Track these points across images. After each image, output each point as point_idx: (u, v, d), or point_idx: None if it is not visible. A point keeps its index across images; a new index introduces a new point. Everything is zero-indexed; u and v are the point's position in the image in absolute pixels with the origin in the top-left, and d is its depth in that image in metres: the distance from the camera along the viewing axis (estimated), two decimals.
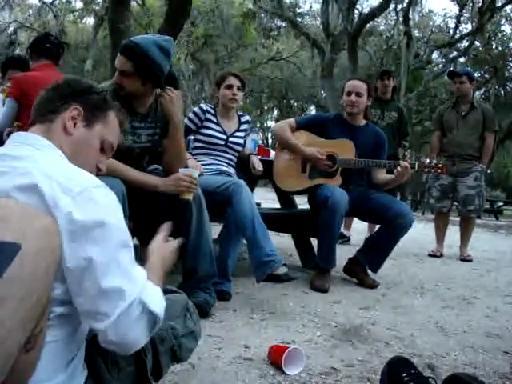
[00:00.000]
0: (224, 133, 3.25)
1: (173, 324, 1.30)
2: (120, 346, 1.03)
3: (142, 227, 2.38)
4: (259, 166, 3.37)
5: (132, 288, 1.01)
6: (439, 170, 3.31)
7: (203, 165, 3.12)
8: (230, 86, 3.23)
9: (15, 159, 1.02)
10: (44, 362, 0.93)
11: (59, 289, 0.96)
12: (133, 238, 1.45)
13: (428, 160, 3.36)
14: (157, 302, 1.07)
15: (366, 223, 5.33)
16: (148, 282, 1.08)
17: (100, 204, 0.99)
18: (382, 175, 3.49)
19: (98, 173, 1.27)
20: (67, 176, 1.00)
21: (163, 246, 1.29)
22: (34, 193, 0.95)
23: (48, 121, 1.18)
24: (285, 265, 2.64)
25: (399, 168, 3.18)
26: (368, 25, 15.24)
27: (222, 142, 3.24)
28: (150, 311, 1.03)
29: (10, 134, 3.08)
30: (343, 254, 3.75)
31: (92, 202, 0.98)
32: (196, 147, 3.25)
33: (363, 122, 3.58)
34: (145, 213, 2.49)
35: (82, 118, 1.21)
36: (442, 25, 20.74)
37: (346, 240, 5.43)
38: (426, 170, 3.32)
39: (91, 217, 0.97)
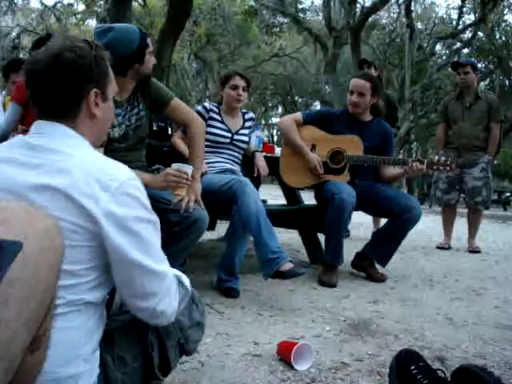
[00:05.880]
0: (229, 131, 3.24)
1: (178, 317, 1.30)
2: (161, 320, 1.15)
3: None
4: (264, 171, 3.30)
5: (169, 268, 1.15)
6: (448, 168, 3.28)
7: (208, 163, 3.10)
8: (235, 87, 3.19)
9: (51, 152, 1.04)
10: (67, 346, 1.00)
11: (90, 276, 1.04)
12: None
13: (436, 157, 3.33)
14: (184, 277, 1.23)
15: (371, 217, 5.33)
16: None
17: (136, 198, 1.06)
18: (389, 170, 3.48)
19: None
20: (104, 171, 1.04)
21: None
22: (71, 192, 0.98)
23: (71, 115, 1.13)
24: (290, 261, 2.64)
25: (410, 164, 3.21)
26: (370, 18, 15.13)
27: (227, 140, 3.22)
28: (183, 285, 1.21)
29: None
30: (350, 248, 3.74)
31: (129, 196, 1.04)
32: None
33: (370, 117, 3.56)
34: None
35: (100, 95, 1.17)
36: (444, 16, 20.67)
37: (347, 235, 5.41)
38: (434, 167, 3.28)
39: (129, 211, 1.04)
